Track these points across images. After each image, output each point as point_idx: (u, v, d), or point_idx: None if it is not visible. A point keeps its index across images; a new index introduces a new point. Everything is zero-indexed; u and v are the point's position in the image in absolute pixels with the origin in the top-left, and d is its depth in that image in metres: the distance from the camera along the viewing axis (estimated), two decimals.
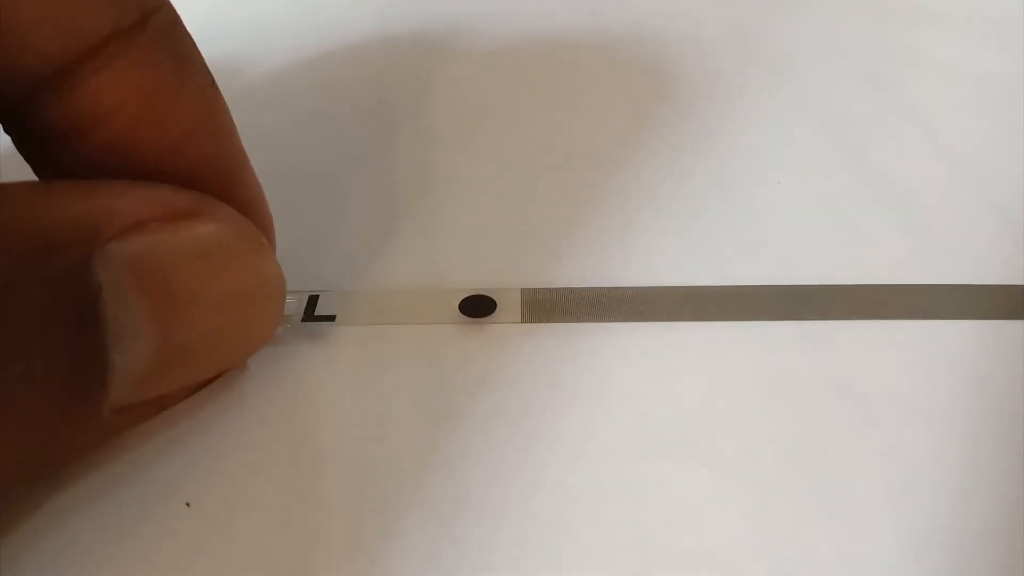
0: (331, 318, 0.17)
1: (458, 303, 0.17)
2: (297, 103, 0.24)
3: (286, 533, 0.13)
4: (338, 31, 0.28)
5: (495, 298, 0.17)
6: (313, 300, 0.17)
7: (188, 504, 0.13)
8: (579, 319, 0.17)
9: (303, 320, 0.16)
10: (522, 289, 0.17)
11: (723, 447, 0.14)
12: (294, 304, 0.17)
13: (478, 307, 0.17)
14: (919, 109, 0.24)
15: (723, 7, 0.30)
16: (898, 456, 0.14)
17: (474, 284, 0.17)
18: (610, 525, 0.13)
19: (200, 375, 0.14)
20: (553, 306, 0.17)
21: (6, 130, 0.13)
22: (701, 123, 0.23)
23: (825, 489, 0.13)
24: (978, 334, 0.16)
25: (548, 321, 0.17)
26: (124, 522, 0.13)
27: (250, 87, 0.25)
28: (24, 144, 0.13)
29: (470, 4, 0.29)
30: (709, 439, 0.14)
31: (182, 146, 0.13)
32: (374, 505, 0.14)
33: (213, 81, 0.14)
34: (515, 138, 0.23)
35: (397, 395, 0.15)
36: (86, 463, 0.14)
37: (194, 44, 0.13)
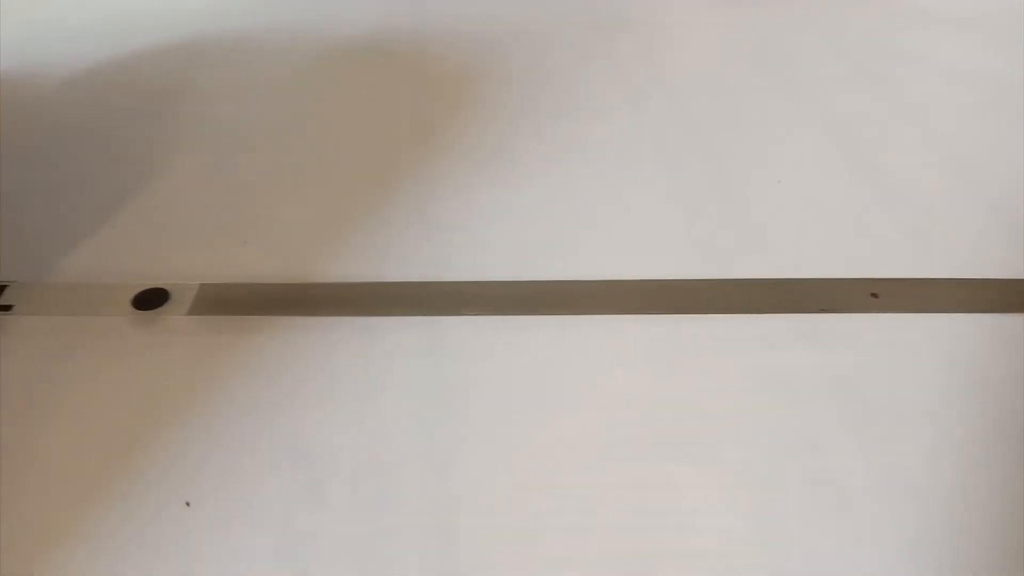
0: (8, 308, 0.17)
1: (133, 296, 0.17)
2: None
3: None
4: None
5: (172, 292, 0.17)
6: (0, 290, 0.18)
7: (188, 504, 0.13)
8: (253, 312, 0.17)
9: None
10: (200, 284, 0.18)
11: (720, 447, 0.14)
12: None
13: (151, 300, 0.17)
14: (919, 109, 0.24)
15: (724, 7, 0.30)
16: (898, 456, 0.14)
17: (164, 279, 0.18)
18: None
19: None
20: (228, 300, 0.17)
21: None
22: (701, 122, 0.23)
23: (825, 489, 0.13)
24: (977, 328, 0.16)
25: (215, 314, 0.17)
26: None
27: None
28: None
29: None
30: (690, 438, 0.14)
31: None
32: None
33: None
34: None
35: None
36: None
37: None
